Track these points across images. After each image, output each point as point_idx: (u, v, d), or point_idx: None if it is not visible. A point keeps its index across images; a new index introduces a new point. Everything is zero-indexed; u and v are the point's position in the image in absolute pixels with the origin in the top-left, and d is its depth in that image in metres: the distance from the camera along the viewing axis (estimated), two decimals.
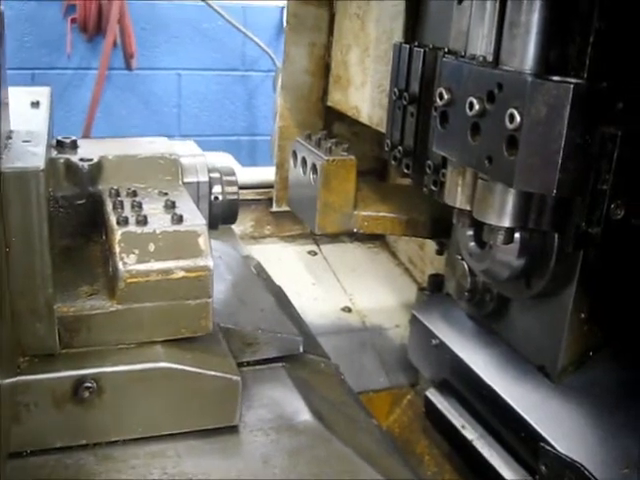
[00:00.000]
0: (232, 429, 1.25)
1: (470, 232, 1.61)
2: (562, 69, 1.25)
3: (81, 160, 1.39)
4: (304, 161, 1.97)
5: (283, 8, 5.21)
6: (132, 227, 1.21)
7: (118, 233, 1.20)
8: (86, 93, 5.11)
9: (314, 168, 1.89)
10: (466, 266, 1.71)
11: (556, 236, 1.45)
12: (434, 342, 1.83)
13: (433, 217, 1.97)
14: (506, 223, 1.36)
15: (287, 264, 2.58)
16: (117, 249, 1.19)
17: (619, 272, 1.47)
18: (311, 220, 1.94)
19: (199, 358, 1.23)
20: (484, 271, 1.61)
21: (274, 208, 2.68)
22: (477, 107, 1.28)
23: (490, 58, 1.35)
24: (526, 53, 1.27)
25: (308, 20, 2.39)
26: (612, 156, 1.20)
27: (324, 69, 2.43)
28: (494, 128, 1.26)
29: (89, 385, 1.14)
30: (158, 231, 1.21)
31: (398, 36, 1.93)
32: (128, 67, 5.21)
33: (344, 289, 2.50)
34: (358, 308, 2.41)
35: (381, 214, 1.95)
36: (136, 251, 1.19)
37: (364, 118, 2.17)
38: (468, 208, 1.45)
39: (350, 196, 1.91)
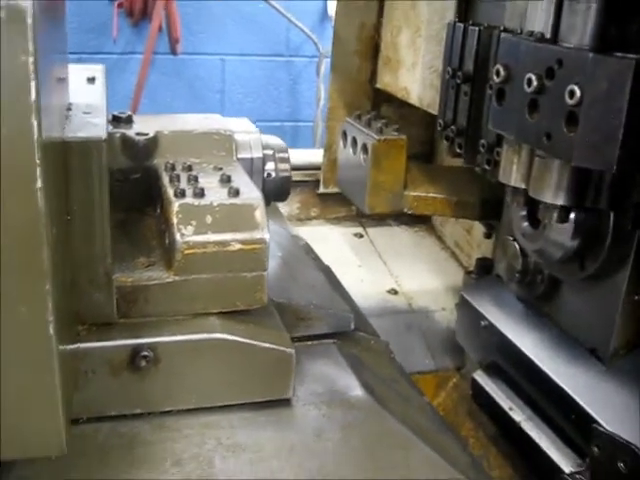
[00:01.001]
0: (285, 402, 1.26)
1: (524, 212, 1.59)
2: (622, 46, 1.23)
3: (137, 134, 1.40)
4: (354, 141, 1.97)
5: None
6: (189, 199, 1.23)
7: (176, 205, 1.21)
8: (131, 77, 5.14)
9: (364, 148, 1.89)
10: (518, 247, 1.70)
11: (612, 216, 1.43)
12: (483, 324, 1.82)
13: (482, 199, 1.97)
14: (562, 201, 1.35)
15: (333, 246, 2.58)
16: (175, 220, 1.20)
17: None
18: (361, 200, 1.94)
19: (253, 330, 1.24)
20: (537, 251, 1.59)
21: (321, 190, 2.68)
22: (535, 83, 1.27)
23: (548, 35, 1.33)
24: (586, 29, 1.25)
25: (358, 1, 2.37)
26: None
27: (373, 50, 2.42)
28: (553, 104, 1.24)
29: (146, 354, 1.15)
30: (215, 203, 1.22)
31: (450, 15, 1.91)
32: (173, 52, 5.24)
33: (390, 272, 2.50)
34: (404, 290, 2.40)
35: (431, 195, 1.95)
36: (193, 223, 1.20)
37: (414, 99, 2.15)
38: (523, 186, 1.44)
39: (400, 176, 1.91)
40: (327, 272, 1.82)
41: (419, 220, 2.76)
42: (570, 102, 1.19)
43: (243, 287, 1.23)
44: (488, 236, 2.17)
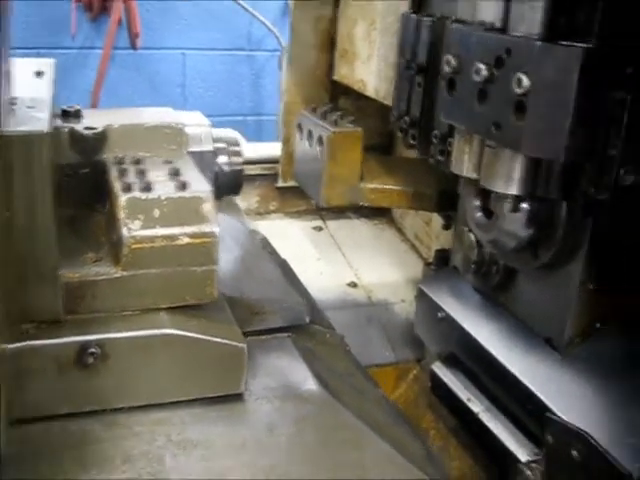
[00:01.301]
0: (237, 397, 1.25)
1: (477, 202, 1.59)
2: (571, 34, 1.23)
3: (86, 129, 1.38)
4: (310, 134, 1.96)
5: None
6: (137, 193, 1.21)
7: (122, 199, 1.20)
8: (91, 73, 5.08)
9: (320, 140, 1.88)
10: (473, 238, 1.70)
11: (564, 205, 1.43)
12: (440, 315, 1.82)
13: (439, 190, 1.96)
14: (513, 191, 1.35)
15: (292, 239, 2.57)
16: (122, 215, 1.18)
17: (627, 242, 1.46)
18: (317, 193, 1.93)
19: (204, 325, 1.23)
20: (491, 242, 1.59)
21: (280, 184, 2.67)
22: (485, 73, 1.27)
23: (498, 24, 1.33)
24: (535, 18, 1.25)
25: None
26: (621, 121, 1.19)
27: (330, 43, 2.41)
28: (502, 94, 1.25)
29: (93, 351, 1.14)
30: (163, 197, 1.21)
31: (405, 8, 1.90)
32: (133, 47, 5.18)
33: (350, 264, 2.50)
34: (364, 283, 2.40)
35: (387, 187, 1.94)
36: (141, 217, 1.19)
37: (370, 91, 2.15)
38: (475, 176, 1.44)
39: (356, 168, 1.89)
40: (283, 266, 1.81)
41: (379, 213, 2.76)
42: (518, 91, 1.19)
43: (193, 281, 1.22)
44: (446, 227, 2.17)
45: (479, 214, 1.58)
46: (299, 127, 2.02)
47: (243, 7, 5.11)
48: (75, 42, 5.21)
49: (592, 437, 1.30)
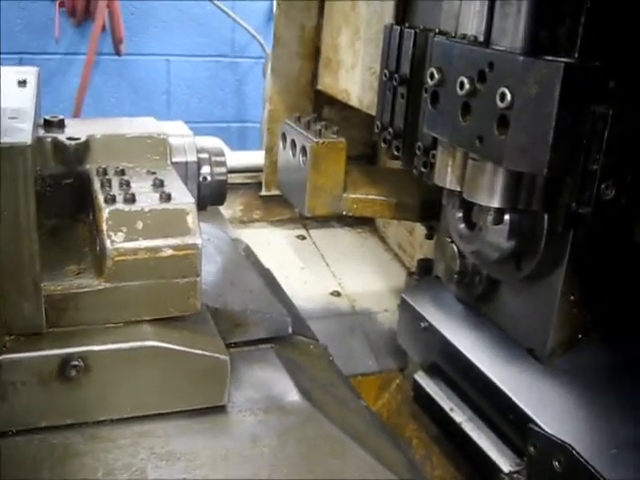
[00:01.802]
0: (220, 409, 1.25)
1: (460, 214, 1.60)
2: (553, 49, 1.25)
3: (69, 139, 1.38)
4: (293, 143, 1.96)
5: None
6: (120, 205, 1.20)
7: (106, 211, 1.19)
8: (74, 78, 5.07)
9: (304, 150, 1.89)
10: (455, 248, 1.71)
11: (546, 217, 1.45)
12: (423, 325, 1.82)
13: (423, 200, 1.97)
14: (496, 203, 1.36)
15: (276, 248, 2.57)
16: (105, 227, 1.18)
17: (608, 255, 1.48)
18: (300, 202, 1.93)
19: (187, 337, 1.22)
20: (474, 253, 1.60)
21: (263, 192, 2.67)
22: (468, 86, 1.28)
23: (481, 38, 1.34)
24: (517, 33, 1.27)
25: (298, 3, 2.37)
26: (603, 136, 1.20)
27: (314, 52, 2.42)
28: (485, 107, 1.26)
29: (76, 364, 1.13)
30: (146, 209, 1.20)
31: (389, 17, 1.92)
32: (117, 52, 5.17)
33: (333, 273, 2.50)
34: (347, 292, 2.40)
35: (370, 197, 1.95)
36: (124, 229, 1.18)
37: (354, 101, 2.16)
38: (458, 189, 1.45)
39: (340, 178, 1.90)
40: (266, 276, 1.80)
41: (362, 222, 2.76)
42: (501, 105, 1.20)
43: (176, 293, 1.21)
44: (429, 237, 2.18)
45: (462, 225, 1.59)
46: (283, 136, 2.02)
47: (227, 14, 5.12)
48: (59, 47, 5.20)
49: (574, 448, 1.31)
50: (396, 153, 1.74)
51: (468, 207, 1.55)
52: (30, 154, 1.07)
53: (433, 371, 1.82)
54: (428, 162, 1.59)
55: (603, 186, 1.23)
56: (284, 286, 1.83)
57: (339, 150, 1.88)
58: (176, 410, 1.22)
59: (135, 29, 5.22)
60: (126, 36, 5.12)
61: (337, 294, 2.39)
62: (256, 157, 2.71)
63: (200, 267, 1.22)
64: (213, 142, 1.64)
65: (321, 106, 2.50)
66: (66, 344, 1.14)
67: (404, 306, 1.94)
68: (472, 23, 1.37)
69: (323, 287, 2.41)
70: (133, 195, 1.22)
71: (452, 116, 1.34)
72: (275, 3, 4.81)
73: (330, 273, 2.50)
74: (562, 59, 1.21)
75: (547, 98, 1.19)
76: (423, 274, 2.14)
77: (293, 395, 1.32)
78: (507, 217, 1.45)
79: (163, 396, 1.21)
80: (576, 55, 1.23)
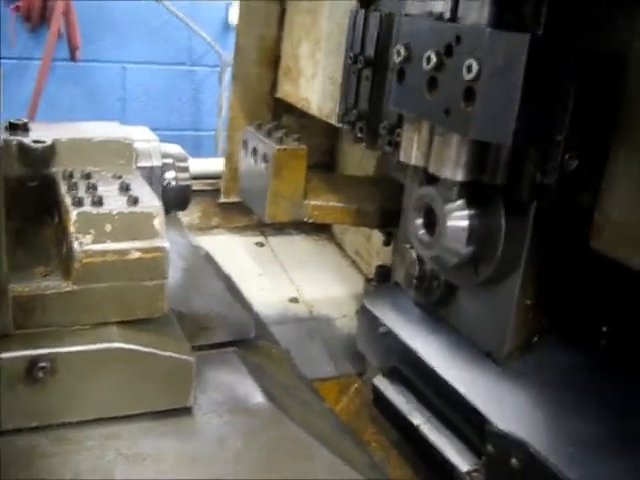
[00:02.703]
0: (186, 411, 1.26)
1: (419, 220, 1.63)
2: (518, 26, 1.29)
3: (34, 142, 1.38)
4: (255, 150, 1.98)
5: (229, 5, 5.21)
6: (88, 207, 1.22)
7: (74, 213, 1.20)
8: (29, 84, 5.02)
9: (265, 157, 1.91)
10: (414, 254, 1.74)
11: (503, 222, 1.48)
12: (382, 330, 1.85)
13: (382, 207, 2.00)
14: (461, 177, 1.40)
15: (234, 255, 2.58)
16: (72, 229, 1.19)
17: (563, 259, 1.52)
18: (261, 209, 1.95)
19: (153, 339, 1.24)
20: (433, 258, 1.63)
21: (222, 199, 2.68)
22: (435, 60, 1.30)
23: (448, 15, 1.38)
24: (484, 9, 1.31)
25: (259, 13, 2.39)
26: (567, 107, 1.25)
27: (274, 61, 2.44)
28: (451, 81, 1.29)
29: (43, 365, 1.14)
30: (114, 212, 1.22)
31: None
32: (72, 59, 5.13)
33: (291, 280, 2.52)
34: (305, 299, 2.43)
35: (331, 204, 1.98)
36: (92, 231, 1.19)
37: (314, 110, 2.18)
38: (423, 164, 1.48)
39: (300, 185, 1.93)
40: (228, 281, 1.82)
41: (319, 229, 2.79)
42: (468, 77, 1.23)
43: (143, 296, 1.23)
44: (387, 244, 2.22)
45: (422, 231, 1.62)
46: (244, 144, 2.04)
47: (183, 21, 5.12)
48: (13, 52, 5.14)
49: (532, 446, 1.35)
50: (359, 135, 1.76)
51: (428, 212, 1.58)
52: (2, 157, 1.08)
53: (392, 375, 1.84)
54: (393, 141, 1.62)
55: (567, 157, 1.28)
56: (243, 292, 1.84)
57: (300, 157, 1.91)
58: (143, 412, 1.23)
59: (91, 36, 5.19)
60: (82, 43, 5.08)
61: (295, 300, 2.41)
62: (214, 164, 2.73)
63: (167, 270, 1.23)
64: (177, 148, 1.65)
65: (280, 114, 2.52)
66: (33, 346, 1.15)
67: (364, 311, 1.96)
68: (439, 1, 1.41)
69: (281, 294, 2.43)
70: (101, 198, 1.23)
71: (419, 91, 1.36)
72: (233, 13, 4.84)
73: (288, 280, 2.52)
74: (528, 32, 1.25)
75: (513, 69, 1.22)
76: (381, 280, 2.18)
77: (258, 397, 1.34)
78: (466, 222, 1.49)
79: (130, 398, 1.22)
80: (541, 30, 1.28)
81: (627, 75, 1.25)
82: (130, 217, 1.22)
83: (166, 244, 1.22)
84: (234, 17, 4.99)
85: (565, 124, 1.26)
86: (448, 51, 1.29)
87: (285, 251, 2.69)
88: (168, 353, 1.22)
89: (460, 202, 1.49)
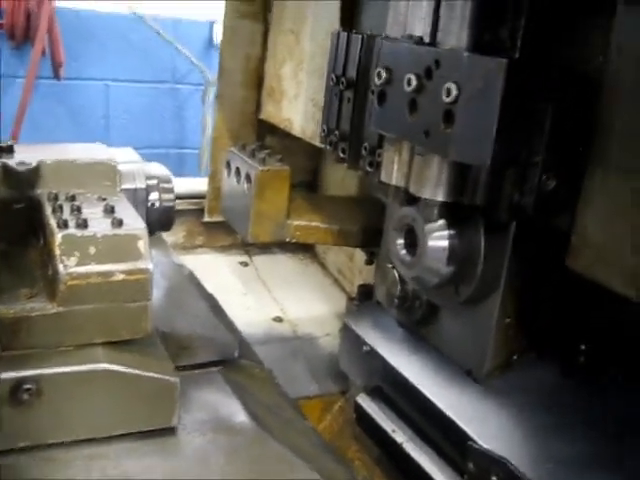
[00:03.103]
0: (170, 431, 1.27)
1: (401, 240, 1.66)
2: (495, 49, 1.34)
3: (19, 164, 1.39)
4: (238, 171, 2.00)
5: (213, 23, 5.24)
6: (72, 230, 1.23)
7: (59, 236, 1.21)
8: (13, 102, 5.02)
9: (248, 178, 1.93)
10: (396, 274, 1.76)
11: (483, 242, 1.51)
12: (365, 349, 1.87)
13: (364, 227, 2.03)
14: (441, 197, 1.43)
15: (219, 274, 2.60)
16: (57, 251, 1.20)
17: (542, 280, 1.55)
18: (244, 229, 1.97)
19: (138, 360, 1.25)
20: (414, 278, 1.66)
21: (206, 218, 2.69)
22: (415, 83, 1.33)
23: (427, 39, 1.42)
24: (462, 34, 1.35)
25: (243, 34, 2.43)
26: (544, 129, 1.29)
27: (258, 82, 2.47)
28: (431, 103, 1.32)
29: (29, 387, 1.14)
30: (99, 234, 1.23)
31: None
32: (56, 76, 5.14)
33: (275, 299, 2.54)
34: (289, 318, 2.44)
35: (313, 224, 2.00)
36: (77, 254, 1.20)
37: (297, 130, 2.21)
38: (404, 185, 1.51)
39: (283, 206, 1.95)
40: (211, 301, 1.83)
41: (303, 248, 2.81)
42: (447, 100, 1.26)
43: (128, 317, 1.24)
44: (370, 263, 2.24)
45: (403, 251, 1.65)
46: (227, 164, 2.06)
47: (167, 40, 5.15)
48: None
49: (511, 464, 1.37)
50: (342, 155, 1.79)
51: (409, 232, 1.61)
52: None
53: (375, 394, 1.86)
54: (374, 161, 1.65)
55: (544, 177, 1.31)
56: (227, 312, 1.86)
57: (283, 178, 1.93)
58: (127, 432, 1.24)
59: (75, 53, 5.20)
60: (66, 60, 5.09)
61: (279, 319, 2.43)
62: (198, 184, 2.75)
63: (151, 291, 1.25)
64: (160, 169, 1.67)
65: (264, 134, 2.55)
66: (18, 367, 1.16)
67: (346, 331, 1.98)
68: (419, 25, 1.45)
69: (265, 313, 2.45)
70: (85, 220, 1.24)
71: (399, 113, 1.39)
72: (218, 31, 4.87)
73: (272, 299, 2.54)
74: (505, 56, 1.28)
75: (491, 93, 1.25)
76: (363, 299, 2.20)
77: (241, 416, 1.35)
78: (446, 243, 1.52)
79: (115, 418, 1.23)
80: (517, 56, 1.33)
81: (601, 97, 1.28)
82: (114, 239, 1.23)
83: (150, 266, 1.24)
84: (218, 36, 5.03)
85: (542, 145, 1.29)
86: (428, 74, 1.32)
87: (269, 270, 2.71)
88: (152, 374, 1.23)
89: (441, 222, 1.52)
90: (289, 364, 2.24)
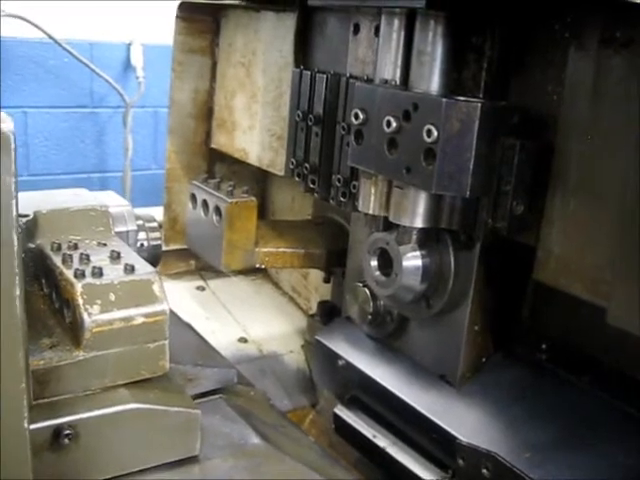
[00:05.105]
0: (194, 459, 1.36)
1: (374, 262, 1.78)
2: (460, 90, 1.53)
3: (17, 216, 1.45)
4: (205, 203, 2.09)
5: (130, 44, 5.25)
6: (90, 279, 1.30)
7: (79, 285, 1.29)
8: None
9: (218, 210, 2.02)
10: (368, 292, 1.89)
11: (452, 259, 1.66)
12: (340, 363, 1.98)
13: (328, 250, 2.15)
14: (420, 224, 1.57)
15: (179, 301, 2.66)
16: (80, 301, 1.27)
17: (506, 290, 1.71)
18: (216, 259, 2.06)
19: (160, 396, 1.34)
20: (389, 296, 1.78)
21: (163, 248, 2.75)
22: (394, 125, 1.47)
23: (399, 82, 1.58)
24: (432, 77, 1.53)
25: (192, 68, 2.51)
26: (512, 162, 1.44)
27: (207, 113, 2.56)
28: (411, 142, 1.46)
29: (68, 432, 1.22)
30: (116, 282, 1.31)
31: (287, 85, 2.09)
32: None
33: (237, 321, 2.62)
34: (253, 338, 2.53)
35: (281, 249, 2.11)
36: (98, 302, 1.28)
37: (253, 160, 2.32)
38: (382, 214, 1.65)
39: (252, 234, 2.05)
40: (192, 329, 1.92)
41: (255, 269, 2.90)
42: (428, 140, 1.41)
43: (147, 357, 1.33)
44: (327, 281, 2.37)
45: (377, 273, 1.78)
46: (193, 197, 2.14)
47: (84, 63, 5.12)
48: None
49: (499, 455, 1.51)
50: (312, 186, 1.92)
51: (382, 254, 1.74)
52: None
53: (353, 404, 1.98)
54: (347, 192, 1.78)
55: (514, 203, 1.47)
56: None
57: (251, 208, 2.03)
58: (156, 464, 1.32)
59: None
60: None
61: (244, 340, 2.51)
62: (153, 213, 2.80)
63: (167, 331, 1.34)
64: (111, 198, 1.71)
65: (213, 162, 2.64)
66: (55, 415, 1.23)
67: (319, 347, 2.09)
68: (389, 69, 1.61)
69: (230, 334, 2.53)
70: (101, 269, 1.32)
71: (378, 150, 1.53)
72: (138, 52, 4.88)
73: (234, 320, 2.62)
74: (473, 99, 1.45)
75: (467, 132, 1.42)
76: (324, 315, 2.33)
77: (253, 438, 1.46)
78: (420, 262, 1.66)
79: (144, 452, 1.31)
80: (480, 96, 1.51)
81: (557, 132, 1.45)
82: (131, 285, 1.32)
83: (166, 307, 1.33)
84: (135, 58, 5.06)
85: (512, 176, 1.44)
86: (406, 116, 1.46)
87: (226, 293, 2.79)
88: (177, 408, 1.32)
89: (413, 244, 1.66)
90: (260, 382, 2.33)
